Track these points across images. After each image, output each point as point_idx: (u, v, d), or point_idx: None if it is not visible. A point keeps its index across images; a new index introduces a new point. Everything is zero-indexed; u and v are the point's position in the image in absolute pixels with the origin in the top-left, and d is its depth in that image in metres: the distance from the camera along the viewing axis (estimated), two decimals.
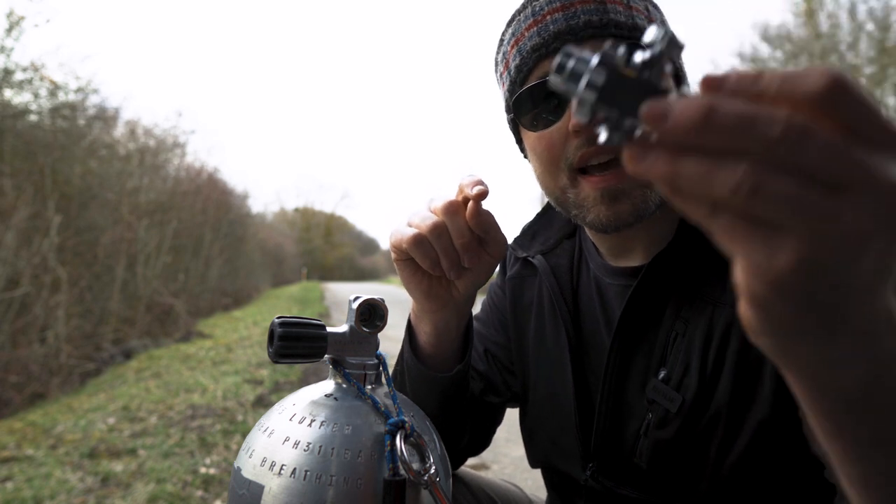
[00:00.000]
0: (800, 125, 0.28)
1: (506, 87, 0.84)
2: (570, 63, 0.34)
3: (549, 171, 0.79)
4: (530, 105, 0.79)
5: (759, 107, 0.29)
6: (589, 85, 0.33)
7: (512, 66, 0.81)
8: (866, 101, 0.29)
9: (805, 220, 0.28)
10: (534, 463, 0.98)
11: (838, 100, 0.29)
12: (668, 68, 0.30)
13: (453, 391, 0.82)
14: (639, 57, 0.33)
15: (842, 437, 0.38)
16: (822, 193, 0.28)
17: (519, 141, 0.88)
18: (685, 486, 0.75)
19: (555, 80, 0.35)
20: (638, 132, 0.32)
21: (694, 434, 0.74)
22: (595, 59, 0.33)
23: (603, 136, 0.33)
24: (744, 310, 0.33)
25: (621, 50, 0.33)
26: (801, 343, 0.33)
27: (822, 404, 0.36)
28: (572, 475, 0.87)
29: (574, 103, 0.34)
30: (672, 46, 0.33)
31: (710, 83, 0.31)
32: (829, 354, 0.33)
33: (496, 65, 0.87)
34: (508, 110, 0.85)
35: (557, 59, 0.34)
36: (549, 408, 0.91)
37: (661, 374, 0.77)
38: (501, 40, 0.84)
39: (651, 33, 0.34)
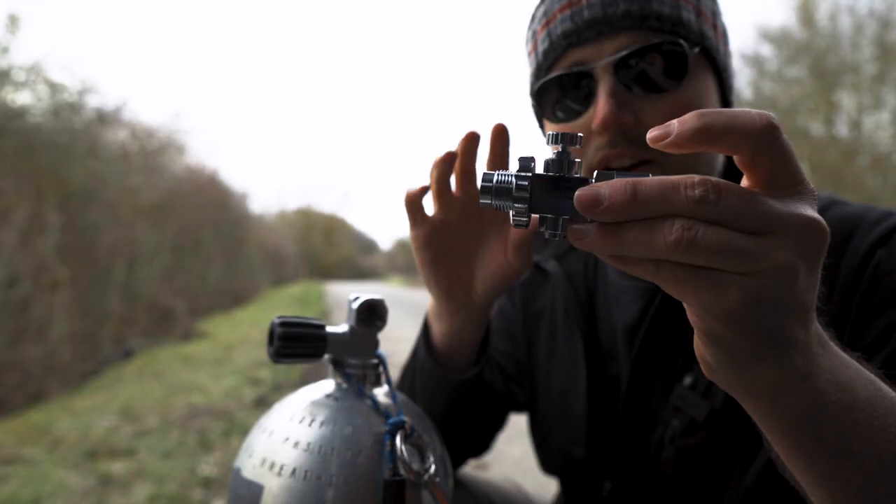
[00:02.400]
0: (714, 183, 0.33)
1: (531, 70, 0.79)
2: (494, 180, 0.38)
3: None
4: (553, 95, 0.75)
5: (674, 176, 0.34)
6: (519, 196, 0.37)
7: (540, 49, 0.75)
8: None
9: (741, 262, 0.33)
10: (547, 471, 0.96)
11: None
12: (578, 161, 0.37)
13: (465, 393, 0.81)
14: (549, 158, 0.37)
15: (803, 455, 0.41)
16: (749, 238, 0.33)
17: (541, 126, 0.84)
18: (711, 494, 0.73)
19: (485, 203, 0.38)
20: (574, 220, 0.36)
21: (722, 442, 0.72)
22: (514, 174, 0.37)
23: (547, 234, 0.37)
24: (701, 350, 0.39)
25: (533, 158, 0.38)
26: (755, 369, 0.37)
27: (781, 425, 0.40)
28: (591, 485, 0.85)
29: (511, 215, 0.38)
30: (570, 142, 0.37)
31: (656, 138, 0.35)
32: (781, 374, 0.37)
33: (525, 42, 0.82)
34: (532, 96, 0.80)
35: (480, 184, 0.38)
36: (561, 418, 0.88)
37: (687, 381, 0.74)
38: (533, 17, 0.78)
39: (549, 136, 0.38)
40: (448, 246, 0.73)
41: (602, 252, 0.36)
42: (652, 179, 0.34)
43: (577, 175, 0.37)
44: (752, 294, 0.34)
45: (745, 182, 0.37)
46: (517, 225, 0.38)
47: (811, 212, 0.35)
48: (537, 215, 0.38)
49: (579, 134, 0.37)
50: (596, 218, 0.34)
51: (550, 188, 0.36)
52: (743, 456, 0.71)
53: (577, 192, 0.35)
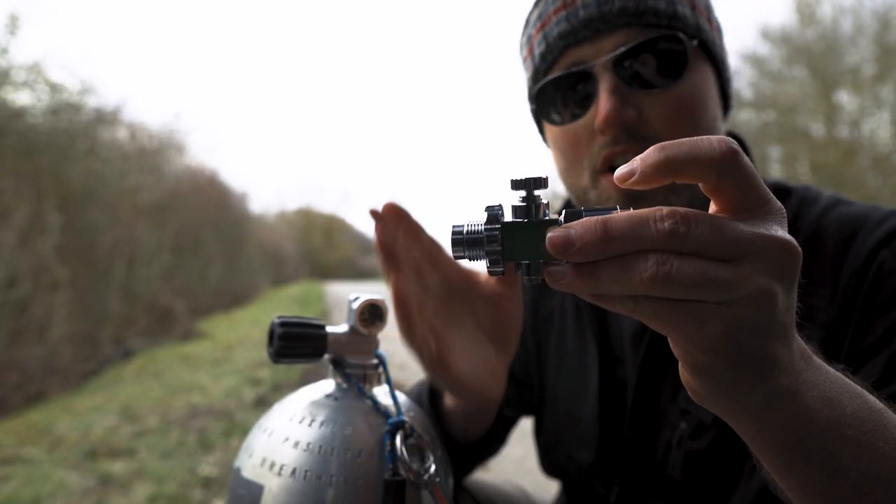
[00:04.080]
0: (683, 214, 0.32)
1: (529, 74, 0.78)
2: (465, 231, 0.37)
3: (573, 168, 0.74)
4: (553, 97, 0.74)
5: (643, 210, 0.33)
6: (491, 247, 0.37)
7: (536, 52, 0.75)
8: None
9: (718, 292, 0.33)
10: (549, 475, 0.94)
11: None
12: (545, 200, 0.37)
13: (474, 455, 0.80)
14: (516, 204, 0.37)
15: (793, 473, 0.41)
16: (724, 266, 0.33)
17: (541, 130, 0.83)
18: (719, 498, 0.72)
19: (457, 255, 0.38)
20: (549, 263, 0.36)
21: (730, 445, 0.70)
22: (483, 224, 0.37)
23: (525, 279, 0.37)
24: (687, 379, 0.38)
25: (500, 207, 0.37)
26: (742, 393, 0.37)
27: (770, 445, 0.40)
28: (596, 490, 0.84)
29: (486, 265, 0.38)
30: (536, 185, 0.37)
31: (622, 177, 0.35)
32: (767, 396, 0.37)
33: (520, 48, 0.81)
34: (531, 100, 0.79)
35: (451, 237, 0.38)
36: (569, 422, 0.87)
37: None
38: (527, 21, 0.78)
39: (513, 182, 0.37)
40: (444, 333, 0.67)
41: (580, 292, 0.36)
42: (621, 215, 0.33)
43: (547, 216, 0.37)
44: (732, 323, 0.34)
45: (712, 208, 0.37)
46: (493, 273, 0.38)
47: (781, 232, 0.35)
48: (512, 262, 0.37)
49: (545, 176, 0.37)
50: (569, 259, 0.34)
51: (521, 234, 0.36)
52: (752, 458, 0.70)
53: (548, 235, 0.34)
